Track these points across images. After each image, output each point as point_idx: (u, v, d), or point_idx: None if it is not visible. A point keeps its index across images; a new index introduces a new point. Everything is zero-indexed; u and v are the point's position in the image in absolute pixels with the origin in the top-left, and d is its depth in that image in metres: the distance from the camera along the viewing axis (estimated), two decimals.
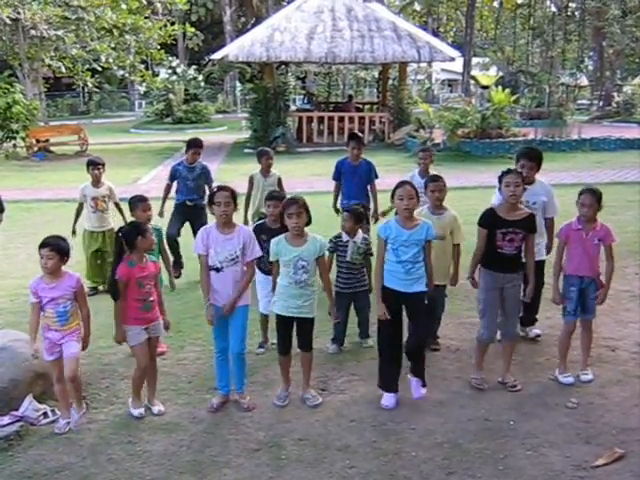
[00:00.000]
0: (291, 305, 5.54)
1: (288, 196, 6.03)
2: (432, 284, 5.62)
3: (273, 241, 5.55)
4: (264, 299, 6.71)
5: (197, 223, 8.31)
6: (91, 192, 8.66)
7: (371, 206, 8.57)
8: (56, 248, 5.19)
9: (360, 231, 6.78)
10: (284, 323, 5.65)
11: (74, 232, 8.72)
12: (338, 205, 8.75)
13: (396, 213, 5.70)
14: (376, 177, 8.76)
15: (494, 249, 5.66)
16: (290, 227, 5.46)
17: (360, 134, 9.30)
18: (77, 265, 9.25)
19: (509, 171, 5.68)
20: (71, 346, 5.32)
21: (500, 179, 5.71)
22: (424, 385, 5.70)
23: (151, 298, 5.47)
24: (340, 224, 8.67)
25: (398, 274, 5.44)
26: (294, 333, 5.74)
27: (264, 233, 6.41)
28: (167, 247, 7.47)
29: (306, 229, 5.54)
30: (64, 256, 5.24)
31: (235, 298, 5.53)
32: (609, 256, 5.87)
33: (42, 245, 5.19)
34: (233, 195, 5.43)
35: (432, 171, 8.20)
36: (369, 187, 8.70)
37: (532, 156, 6.59)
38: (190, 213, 9.01)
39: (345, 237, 6.67)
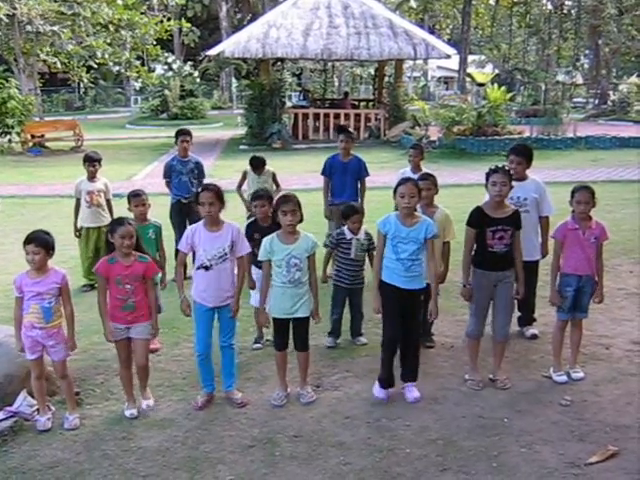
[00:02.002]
0: (286, 307, 5.53)
1: (283, 192, 6.00)
2: (435, 285, 5.60)
3: (265, 240, 5.52)
4: (257, 294, 6.70)
5: (193, 220, 8.32)
6: (87, 186, 8.63)
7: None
8: (42, 243, 5.12)
9: (363, 228, 6.78)
10: (280, 324, 5.64)
11: (78, 231, 8.74)
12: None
13: (396, 208, 5.69)
14: (367, 174, 8.77)
15: (485, 248, 5.65)
16: (284, 225, 5.44)
17: (350, 128, 9.32)
18: (71, 261, 9.26)
19: (496, 169, 5.64)
20: (58, 352, 5.31)
21: (487, 177, 5.70)
22: (415, 380, 5.73)
23: (133, 299, 5.36)
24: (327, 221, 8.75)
25: (398, 271, 5.43)
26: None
27: (257, 231, 6.40)
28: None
29: (298, 227, 5.54)
30: (50, 250, 5.18)
31: (238, 298, 5.59)
32: (599, 254, 5.87)
33: (27, 241, 5.12)
34: (218, 194, 5.40)
35: (425, 168, 8.22)
36: (359, 184, 8.74)
37: (520, 151, 6.59)
38: (186, 210, 8.98)
39: (349, 235, 6.67)
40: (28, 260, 5.13)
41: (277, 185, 8.88)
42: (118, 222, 5.42)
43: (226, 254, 5.45)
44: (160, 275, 6.60)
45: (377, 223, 5.56)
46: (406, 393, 5.70)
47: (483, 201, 5.86)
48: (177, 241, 8.55)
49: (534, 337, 6.91)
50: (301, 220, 5.52)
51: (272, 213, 5.69)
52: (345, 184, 8.64)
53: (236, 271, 5.63)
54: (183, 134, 9.10)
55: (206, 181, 8.43)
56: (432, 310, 5.60)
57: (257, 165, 8.95)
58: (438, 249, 6.46)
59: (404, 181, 5.48)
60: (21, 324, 5.24)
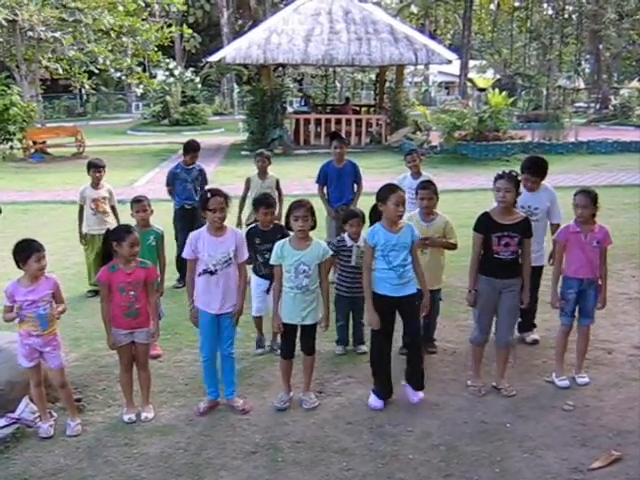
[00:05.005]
0: (295, 313, 5.53)
1: (290, 199, 5.99)
2: (424, 285, 5.64)
3: (277, 244, 5.53)
4: (258, 303, 6.70)
5: (196, 226, 8.32)
6: (91, 194, 8.64)
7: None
8: (44, 250, 5.16)
9: (363, 234, 6.76)
10: (288, 330, 5.63)
11: (83, 237, 8.76)
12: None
13: (376, 219, 5.61)
14: (359, 180, 8.82)
15: (491, 254, 5.62)
16: (295, 230, 5.46)
17: (341, 134, 9.32)
18: (74, 267, 9.27)
19: (502, 175, 5.60)
20: (55, 358, 5.30)
21: (495, 182, 5.69)
22: (422, 388, 5.72)
23: (137, 305, 5.37)
24: (326, 224, 8.74)
25: (391, 280, 5.42)
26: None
27: (257, 236, 6.40)
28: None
29: (311, 234, 5.54)
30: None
31: (241, 304, 5.60)
32: (603, 259, 5.87)
33: (37, 249, 5.11)
34: (227, 200, 5.43)
35: (426, 173, 8.24)
36: (356, 187, 8.80)
37: (535, 171, 6.48)
38: (190, 216, 8.97)
39: (349, 242, 6.65)
40: (38, 268, 5.10)
41: (280, 194, 8.84)
42: (127, 230, 5.41)
43: (231, 259, 5.46)
44: (158, 281, 6.59)
45: (365, 236, 5.54)
46: (410, 395, 5.69)
47: (491, 206, 5.85)
48: (180, 247, 8.57)
49: (535, 342, 6.91)
50: (314, 227, 5.53)
51: (285, 217, 5.69)
52: (342, 189, 8.71)
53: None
54: (193, 150, 9.10)
55: (208, 187, 8.42)
56: (424, 306, 5.62)
57: (263, 158, 8.86)
58: (440, 257, 6.50)
59: (395, 189, 5.42)
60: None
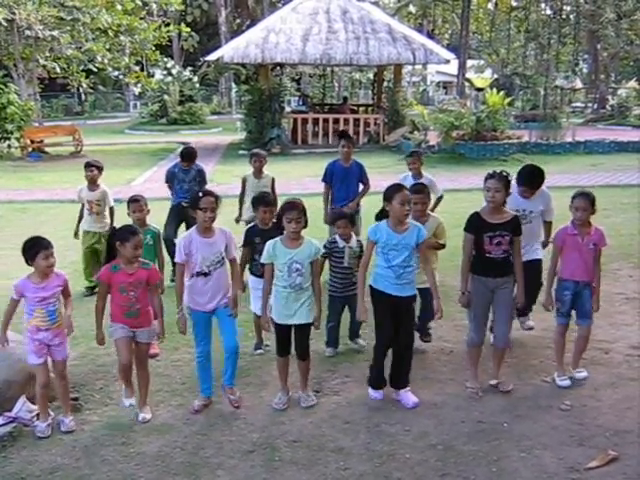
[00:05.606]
0: (287, 312, 5.52)
1: (290, 198, 5.99)
2: (433, 283, 5.65)
3: (268, 243, 5.52)
4: (257, 300, 6.70)
5: (192, 223, 8.31)
6: (86, 195, 8.75)
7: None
8: (52, 247, 5.19)
9: (354, 234, 6.77)
10: (281, 329, 5.63)
11: (76, 234, 8.88)
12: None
13: (383, 217, 5.63)
14: (367, 179, 8.81)
15: (482, 254, 5.61)
16: (288, 231, 5.44)
17: (350, 133, 9.33)
18: (71, 266, 9.26)
19: (492, 175, 5.59)
20: (61, 351, 5.36)
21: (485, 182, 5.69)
22: (407, 385, 5.74)
23: (137, 306, 5.37)
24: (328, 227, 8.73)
25: (389, 278, 5.44)
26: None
27: (257, 235, 6.40)
28: (165, 250, 7.48)
29: (302, 232, 5.54)
30: None
31: (235, 294, 5.63)
32: (597, 260, 5.87)
33: (45, 247, 5.14)
34: (217, 201, 5.44)
35: (424, 173, 8.27)
36: (362, 186, 8.77)
37: (532, 184, 6.49)
38: (186, 214, 8.99)
39: (341, 243, 6.64)
40: (47, 265, 5.15)
41: (274, 195, 8.79)
42: (132, 231, 5.39)
43: (223, 258, 5.51)
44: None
45: (367, 231, 5.55)
46: (403, 400, 5.69)
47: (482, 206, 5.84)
48: (165, 239, 8.42)
49: (530, 329, 6.99)
50: (305, 226, 5.53)
51: (277, 217, 5.71)
52: (348, 189, 8.69)
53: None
54: (190, 160, 9.17)
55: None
56: (437, 308, 5.59)
57: (259, 158, 8.87)
58: (433, 256, 6.50)
59: (400, 188, 5.44)
60: (9, 322, 5.27)
